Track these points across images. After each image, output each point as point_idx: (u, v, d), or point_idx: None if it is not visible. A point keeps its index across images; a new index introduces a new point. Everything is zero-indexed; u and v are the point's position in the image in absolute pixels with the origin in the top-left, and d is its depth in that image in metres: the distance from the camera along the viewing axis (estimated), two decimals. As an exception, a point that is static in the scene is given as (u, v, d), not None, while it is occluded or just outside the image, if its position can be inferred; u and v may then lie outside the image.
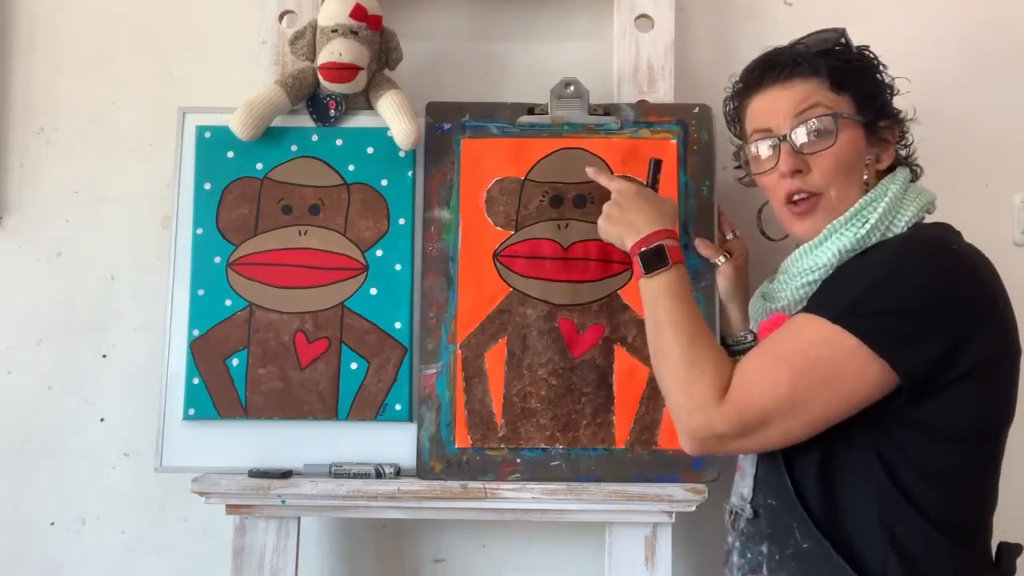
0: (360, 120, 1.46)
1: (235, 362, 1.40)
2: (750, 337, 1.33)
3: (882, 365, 1.00)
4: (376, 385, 1.40)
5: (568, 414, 1.38)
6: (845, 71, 1.16)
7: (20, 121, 1.63)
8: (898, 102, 1.22)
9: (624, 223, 1.24)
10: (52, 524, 1.59)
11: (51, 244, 1.61)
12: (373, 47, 1.44)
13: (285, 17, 1.53)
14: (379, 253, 1.43)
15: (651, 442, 1.37)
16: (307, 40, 1.43)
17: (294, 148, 1.46)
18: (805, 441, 1.06)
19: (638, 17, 1.52)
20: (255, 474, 1.36)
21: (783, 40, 1.22)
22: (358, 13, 1.41)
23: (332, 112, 1.45)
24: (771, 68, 1.18)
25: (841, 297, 1.06)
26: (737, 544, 1.17)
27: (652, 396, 1.37)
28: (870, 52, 1.20)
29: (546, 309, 1.40)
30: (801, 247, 1.17)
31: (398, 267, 1.43)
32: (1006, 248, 1.58)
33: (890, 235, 1.11)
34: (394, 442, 1.40)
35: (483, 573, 1.58)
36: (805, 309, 1.09)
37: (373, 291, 1.42)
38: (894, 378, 1.01)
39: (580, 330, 1.39)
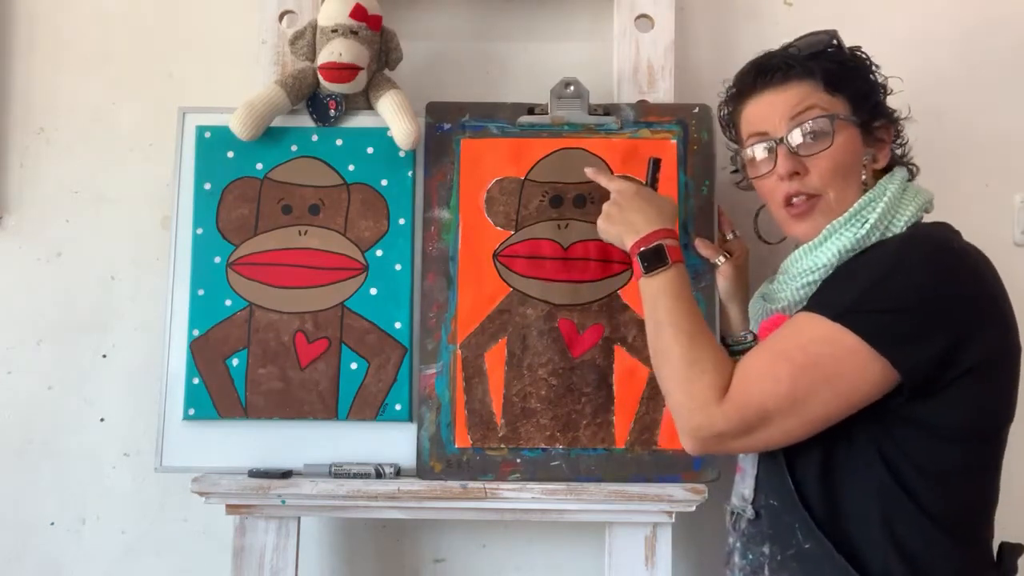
0: (360, 120, 1.46)
1: (235, 362, 1.40)
2: (750, 337, 1.34)
3: (883, 363, 1.00)
4: (376, 385, 1.40)
5: (568, 414, 1.38)
6: (839, 72, 1.16)
7: (20, 121, 1.63)
8: (893, 101, 1.22)
9: (623, 223, 1.24)
10: (52, 524, 1.59)
11: (51, 244, 1.61)
12: (373, 47, 1.44)
13: (285, 17, 1.53)
14: (379, 253, 1.43)
15: (651, 442, 1.37)
16: (307, 40, 1.43)
17: (294, 148, 1.46)
18: (806, 441, 1.06)
19: (638, 17, 1.52)
20: (255, 474, 1.36)
21: (784, 40, 1.22)
22: (358, 13, 1.41)
23: (332, 112, 1.45)
24: (764, 72, 1.18)
25: (841, 296, 1.06)
26: (738, 545, 1.17)
27: (652, 396, 1.37)
28: (862, 52, 1.21)
29: (546, 309, 1.40)
30: (801, 248, 1.17)
31: (398, 267, 1.43)
32: (1006, 248, 1.58)
33: (889, 235, 1.12)
34: (394, 442, 1.40)
35: (483, 573, 1.58)
36: (805, 308, 1.10)
37: (373, 291, 1.42)
38: (895, 376, 1.01)
39: (580, 330, 1.39)
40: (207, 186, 1.44)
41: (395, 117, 1.41)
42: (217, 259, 1.43)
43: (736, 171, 1.31)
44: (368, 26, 1.42)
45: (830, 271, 1.12)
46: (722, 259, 1.38)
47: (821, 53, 1.17)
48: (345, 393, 1.40)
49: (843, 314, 1.03)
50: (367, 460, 1.38)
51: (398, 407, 1.40)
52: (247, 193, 1.44)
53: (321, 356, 1.40)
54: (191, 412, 1.40)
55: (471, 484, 1.35)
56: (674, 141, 1.43)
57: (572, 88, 1.46)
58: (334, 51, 1.39)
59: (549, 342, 1.39)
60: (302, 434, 1.40)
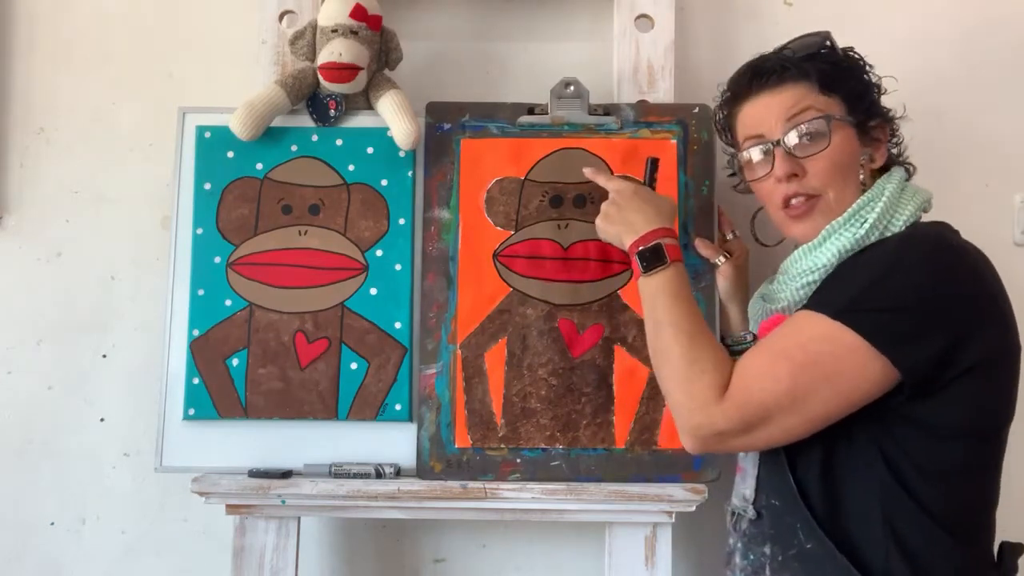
0: (360, 120, 1.47)
1: (235, 362, 1.40)
2: (750, 337, 1.33)
3: (883, 362, 1.00)
4: (376, 385, 1.40)
5: (568, 414, 1.38)
6: (833, 73, 1.16)
7: (20, 121, 1.63)
8: (891, 101, 1.22)
9: (622, 222, 1.24)
10: (52, 524, 1.59)
11: (51, 244, 1.61)
12: (373, 47, 1.44)
13: (285, 17, 1.53)
14: (379, 253, 1.43)
15: (651, 442, 1.37)
16: (307, 40, 1.43)
17: (294, 148, 1.46)
18: (807, 440, 1.06)
19: (638, 17, 1.52)
20: (255, 474, 1.36)
21: (784, 40, 1.22)
22: (358, 13, 1.41)
23: (332, 112, 1.45)
24: (759, 75, 1.19)
25: (841, 294, 1.06)
26: (739, 546, 1.17)
27: (652, 396, 1.37)
28: (855, 53, 1.21)
29: (546, 309, 1.40)
30: (800, 248, 1.17)
31: (398, 267, 1.43)
32: (1006, 248, 1.58)
33: (888, 234, 1.12)
34: (394, 442, 1.40)
35: (483, 573, 1.58)
36: (805, 306, 1.10)
37: (373, 291, 1.42)
38: (895, 375, 1.01)
39: (580, 330, 1.39)
40: (207, 186, 1.44)
41: (395, 117, 1.41)
42: (217, 259, 1.43)
43: (733, 174, 1.31)
44: (368, 26, 1.42)
45: (830, 271, 1.12)
46: (722, 259, 1.38)
47: (815, 54, 1.18)
48: (345, 393, 1.40)
49: (843, 312, 1.03)
50: (367, 460, 1.38)
51: (398, 407, 1.40)
52: (247, 193, 1.44)
53: (321, 356, 1.40)
54: (191, 412, 1.40)
55: (471, 484, 1.35)
56: (674, 141, 1.43)
57: (572, 88, 1.46)
58: (334, 51, 1.40)
59: (549, 342, 1.39)
60: (302, 434, 1.40)
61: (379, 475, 1.36)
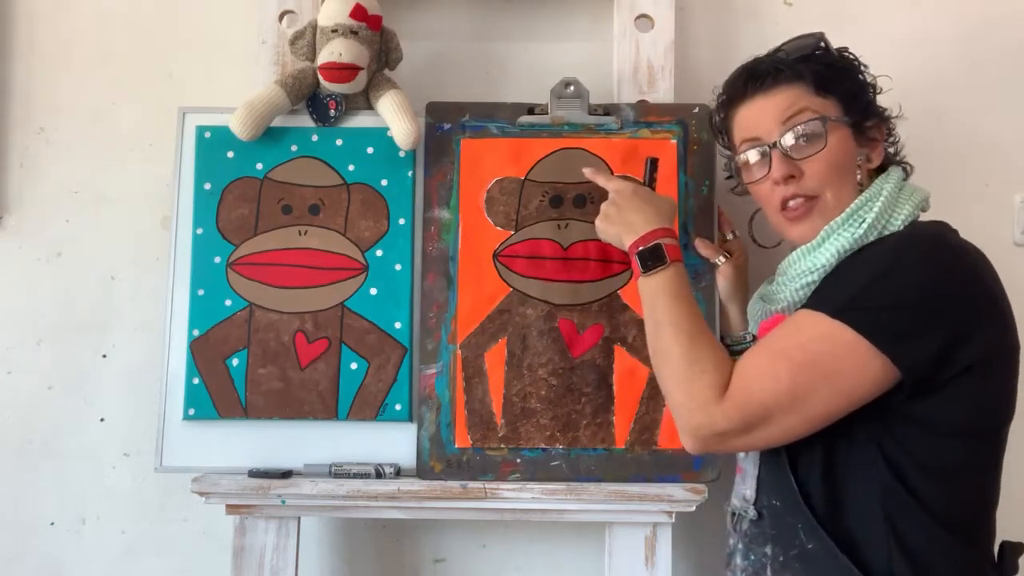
0: (360, 120, 1.47)
1: (235, 362, 1.40)
2: (749, 338, 1.33)
3: (883, 360, 1.00)
4: (376, 385, 1.40)
5: (568, 414, 1.38)
6: (828, 74, 1.16)
7: (20, 121, 1.63)
8: (890, 100, 1.22)
9: (622, 223, 1.24)
10: (52, 524, 1.59)
11: (51, 244, 1.61)
12: (373, 47, 1.44)
13: (285, 17, 1.53)
14: (379, 253, 1.43)
15: (651, 442, 1.37)
16: (307, 40, 1.43)
17: (294, 148, 1.46)
18: (808, 440, 1.06)
19: (638, 17, 1.52)
20: (255, 474, 1.36)
21: (783, 40, 1.22)
22: (358, 13, 1.41)
23: (332, 112, 1.45)
24: (754, 77, 1.19)
25: (840, 293, 1.06)
26: (740, 546, 1.17)
27: (652, 396, 1.37)
28: (850, 53, 1.21)
29: (546, 309, 1.40)
30: (799, 249, 1.17)
31: (398, 267, 1.43)
32: (1006, 248, 1.58)
33: (887, 233, 1.12)
34: (394, 442, 1.40)
35: (483, 573, 1.58)
36: (804, 305, 1.10)
37: (373, 291, 1.42)
38: (895, 373, 1.01)
39: (580, 330, 1.39)
40: (207, 186, 1.44)
41: (395, 117, 1.41)
42: (217, 259, 1.43)
43: (731, 176, 1.31)
44: (368, 26, 1.42)
45: (828, 271, 1.12)
46: (722, 259, 1.38)
47: (809, 56, 1.18)
48: (345, 393, 1.40)
49: (842, 310, 1.03)
50: (367, 460, 1.38)
51: (398, 407, 1.40)
52: (247, 193, 1.44)
53: (321, 356, 1.40)
54: (191, 412, 1.40)
55: (471, 484, 1.35)
56: (674, 141, 1.43)
57: (572, 88, 1.46)
58: (334, 51, 1.40)
59: (549, 342, 1.39)
60: (302, 434, 1.40)
61: (379, 475, 1.36)
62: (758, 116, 1.18)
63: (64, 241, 1.61)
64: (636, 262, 1.19)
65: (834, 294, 1.07)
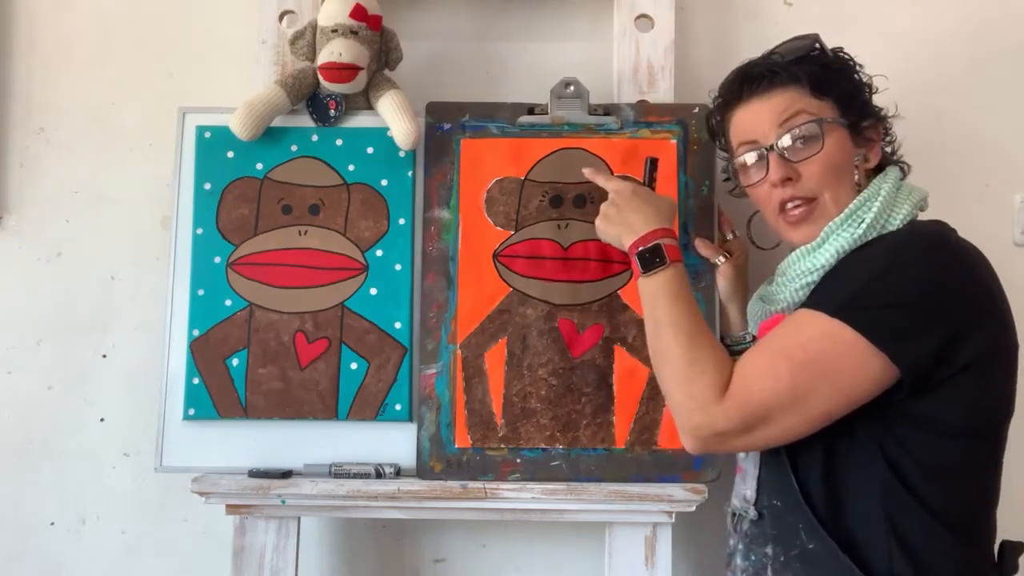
0: (360, 120, 1.47)
1: (235, 362, 1.40)
2: (749, 338, 1.33)
3: (882, 359, 1.01)
4: (376, 385, 1.40)
5: (568, 414, 1.38)
6: (824, 76, 1.16)
7: (20, 121, 1.63)
8: (887, 100, 1.22)
9: (621, 223, 1.24)
10: (52, 524, 1.59)
11: (51, 244, 1.61)
12: (373, 47, 1.44)
13: (285, 17, 1.53)
14: (379, 253, 1.43)
15: (651, 442, 1.37)
16: (307, 40, 1.43)
17: (294, 148, 1.46)
18: (808, 440, 1.06)
19: (638, 17, 1.52)
20: (255, 474, 1.36)
21: (783, 40, 1.22)
22: (358, 13, 1.41)
23: (332, 112, 1.45)
24: (749, 80, 1.19)
25: (839, 292, 1.06)
26: (740, 547, 1.17)
27: (652, 396, 1.37)
28: (845, 53, 1.21)
29: (546, 309, 1.40)
30: (799, 249, 1.17)
31: (398, 267, 1.43)
32: (1006, 248, 1.58)
33: (886, 232, 1.12)
34: (394, 442, 1.40)
35: (483, 573, 1.58)
36: (804, 305, 1.10)
37: (373, 291, 1.42)
38: (894, 372, 1.01)
39: (580, 330, 1.39)
40: (207, 186, 1.44)
41: (395, 117, 1.41)
42: (217, 259, 1.43)
43: (729, 179, 1.31)
44: (368, 26, 1.42)
45: (828, 271, 1.12)
46: (722, 259, 1.38)
47: (805, 58, 1.17)
48: (345, 393, 1.40)
49: (841, 309, 1.03)
50: (367, 460, 1.38)
51: (398, 407, 1.40)
52: (247, 193, 1.44)
53: (321, 356, 1.40)
54: (191, 412, 1.40)
55: (471, 484, 1.35)
56: (674, 141, 1.43)
57: (572, 88, 1.46)
58: (334, 51, 1.40)
59: (549, 342, 1.39)
60: (302, 434, 1.40)
61: (379, 475, 1.36)
62: (754, 119, 1.18)
63: (64, 241, 1.61)
64: (636, 262, 1.19)
65: (833, 293, 1.07)
